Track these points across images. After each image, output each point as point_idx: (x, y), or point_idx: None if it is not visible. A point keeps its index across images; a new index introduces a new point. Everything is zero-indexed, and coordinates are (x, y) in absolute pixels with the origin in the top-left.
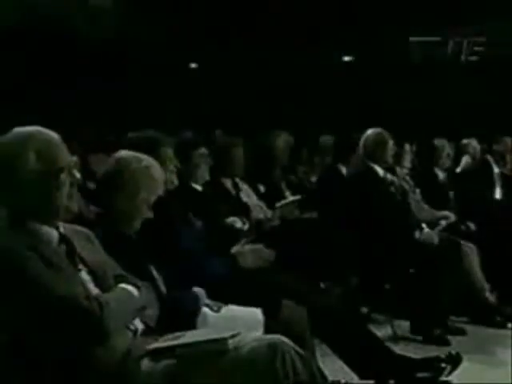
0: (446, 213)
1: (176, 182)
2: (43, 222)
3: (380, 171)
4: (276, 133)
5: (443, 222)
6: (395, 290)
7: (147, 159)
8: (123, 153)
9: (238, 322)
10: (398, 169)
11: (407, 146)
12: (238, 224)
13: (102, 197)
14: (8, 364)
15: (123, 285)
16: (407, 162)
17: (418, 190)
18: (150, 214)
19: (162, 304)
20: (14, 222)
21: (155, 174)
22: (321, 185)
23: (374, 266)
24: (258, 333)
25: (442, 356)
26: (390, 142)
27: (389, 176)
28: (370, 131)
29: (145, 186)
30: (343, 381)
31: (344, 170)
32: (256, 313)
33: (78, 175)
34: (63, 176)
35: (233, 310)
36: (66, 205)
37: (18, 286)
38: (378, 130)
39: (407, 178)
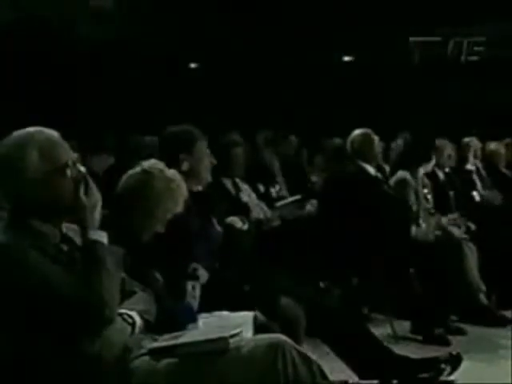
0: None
1: (210, 178)
2: (48, 222)
3: (371, 170)
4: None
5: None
6: (395, 290)
7: (173, 177)
8: (151, 165)
9: (227, 326)
10: (421, 169)
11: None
12: (238, 224)
13: (119, 203)
14: (7, 360)
15: (122, 311)
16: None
17: (429, 196)
18: (161, 230)
19: (160, 306)
20: (16, 220)
21: (178, 194)
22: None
23: (374, 266)
24: (248, 335)
25: (443, 356)
26: (376, 140)
27: (379, 175)
28: (355, 132)
29: (165, 206)
30: (350, 381)
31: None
32: (246, 316)
33: (83, 169)
34: (68, 171)
35: (222, 314)
36: (76, 201)
37: (19, 282)
38: (363, 130)
39: (425, 180)
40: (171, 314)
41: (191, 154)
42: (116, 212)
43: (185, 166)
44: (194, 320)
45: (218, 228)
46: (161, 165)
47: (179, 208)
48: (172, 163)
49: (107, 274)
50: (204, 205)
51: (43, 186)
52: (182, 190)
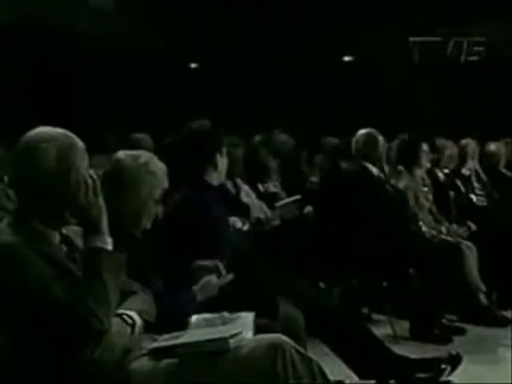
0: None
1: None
2: (48, 224)
3: (374, 170)
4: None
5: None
6: (395, 290)
7: (144, 155)
8: (120, 153)
9: (226, 326)
10: (416, 170)
11: (424, 146)
12: (238, 224)
13: (105, 200)
14: (7, 363)
15: (122, 312)
16: (424, 161)
17: (430, 195)
18: (158, 209)
19: (157, 305)
20: (19, 220)
21: (154, 168)
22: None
23: (373, 266)
24: (248, 335)
25: (442, 356)
26: (381, 141)
27: (382, 175)
28: (360, 132)
29: (145, 182)
30: (347, 381)
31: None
32: (246, 316)
33: (95, 175)
34: (76, 177)
35: (222, 314)
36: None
37: (18, 283)
38: (368, 130)
39: (427, 180)
40: (173, 304)
41: (222, 154)
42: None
43: (220, 168)
44: (195, 311)
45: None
46: (128, 151)
47: (165, 181)
48: (206, 164)
49: (101, 284)
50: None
51: (49, 184)
52: (158, 163)
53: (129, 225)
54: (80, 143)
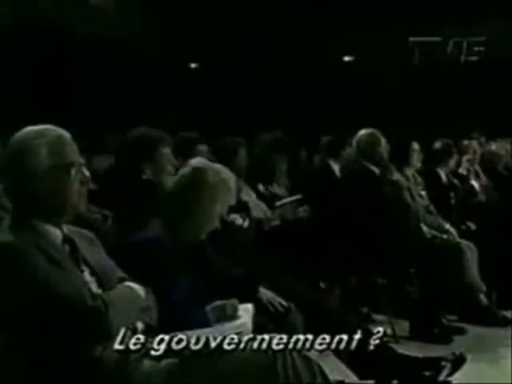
0: (449, 227)
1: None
2: (50, 221)
3: (376, 171)
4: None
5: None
6: (395, 290)
7: (224, 171)
8: (199, 162)
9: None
10: (406, 169)
11: (415, 145)
12: (239, 221)
13: (173, 204)
14: (9, 362)
15: (128, 283)
16: (415, 161)
17: (424, 193)
18: (218, 225)
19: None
20: (18, 219)
21: (232, 186)
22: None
23: (373, 266)
24: (248, 326)
25: (445, 356)
26: (383, 142)
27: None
28: (362, 132)
29: (221, 199)
30: (346, 380)
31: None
32: (245, 308)
33: (87, 173)
34: (74, 171)
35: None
36: (76, 203)
37: (23, 283)
38: (370, 130)
39: (418, 179)
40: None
41: (154, 161)
42: (169, 214)
43: (147, 175)
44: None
45: None
46: (206, 162)
47: (234, 199)
48: (132, 171)
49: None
50: None
51: (47, 180)
52: (234, 180)
53: (191, 235)
54: (66, 134)
